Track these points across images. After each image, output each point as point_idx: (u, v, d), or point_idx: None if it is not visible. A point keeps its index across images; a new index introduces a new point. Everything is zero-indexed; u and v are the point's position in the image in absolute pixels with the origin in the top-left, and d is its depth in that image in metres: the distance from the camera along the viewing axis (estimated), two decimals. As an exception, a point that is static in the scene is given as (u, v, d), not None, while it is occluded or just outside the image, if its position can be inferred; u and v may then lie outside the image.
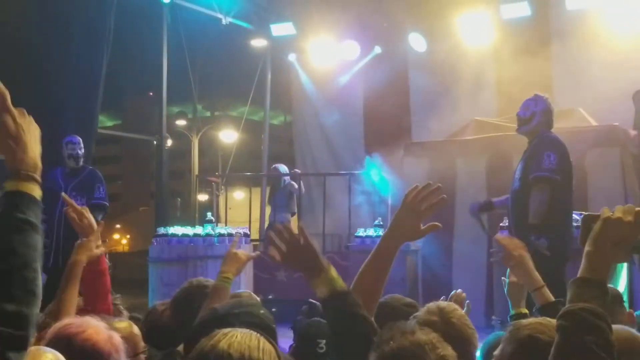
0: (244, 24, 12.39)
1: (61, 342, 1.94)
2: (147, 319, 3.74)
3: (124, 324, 2.46)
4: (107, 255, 3.25)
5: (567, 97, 9.31)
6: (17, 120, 1.49)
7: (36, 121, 1.55)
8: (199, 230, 8.74)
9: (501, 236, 2.98)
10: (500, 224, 7.20)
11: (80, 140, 7.32)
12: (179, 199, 36.96)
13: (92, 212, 3.25)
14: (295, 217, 10.31)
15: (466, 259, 8.80)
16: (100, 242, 3.10)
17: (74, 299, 2.93)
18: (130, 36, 15.53)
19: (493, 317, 6.38)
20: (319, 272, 1.95)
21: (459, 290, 3.65)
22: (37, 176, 1.51)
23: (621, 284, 6.88)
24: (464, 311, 2.58)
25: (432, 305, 2.43)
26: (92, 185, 7.27)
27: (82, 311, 2.69)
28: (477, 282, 8.41)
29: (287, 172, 10.59)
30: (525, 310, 2.77)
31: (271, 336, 1.75)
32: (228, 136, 23.76)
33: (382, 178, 10.34)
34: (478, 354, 2.48)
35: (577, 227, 5.78)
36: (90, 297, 3.03)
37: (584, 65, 9.93)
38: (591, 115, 9.21)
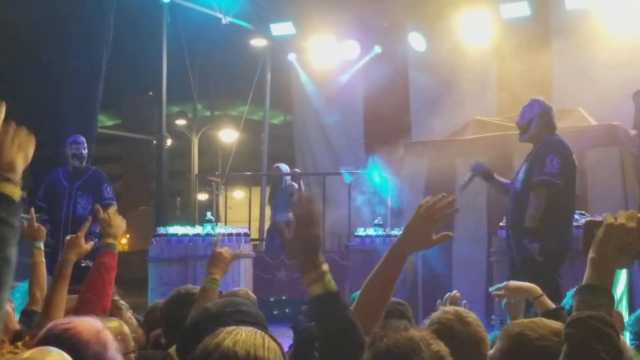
0: (244, 24, 12.39)
1: (50, 340, 1.95)
2: (148, 317, 3.75)
3: (114, 323, 2.45)
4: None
5: (567, 97, 9.31)
6: None
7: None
8: (198, 229, 8.75)
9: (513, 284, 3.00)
10: (500, 224, 7.19)
11: (84, 140, 7.34)
12: (179, 199, 36.97)
13: None
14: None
15: (466, 259, 8.77)
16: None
17: (64, 297, 2.92)
18: (129, 36, 15.52)
19: (493, 317, 6.37)
20: (316, 265, 1.92)
21: (454, 292, 3.67)
22: (13, 177, 1.54)
23: (621, 284, 6.88)
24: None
25: (447, 307, 2.46)
26: (97, 186, 7.29)
27: (77, 311, 2.68)
28: (477, 282, 8.38)
29: (289, 171, 10.59)
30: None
31: None
32: (228, 136, 23.73)
33: (383, 179, 10.34)
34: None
35: (577, 226, 5.81)
36: (94, 290, 2.98)
37: (584, 65, 9.92)
38: (591, 115, 9.20)
